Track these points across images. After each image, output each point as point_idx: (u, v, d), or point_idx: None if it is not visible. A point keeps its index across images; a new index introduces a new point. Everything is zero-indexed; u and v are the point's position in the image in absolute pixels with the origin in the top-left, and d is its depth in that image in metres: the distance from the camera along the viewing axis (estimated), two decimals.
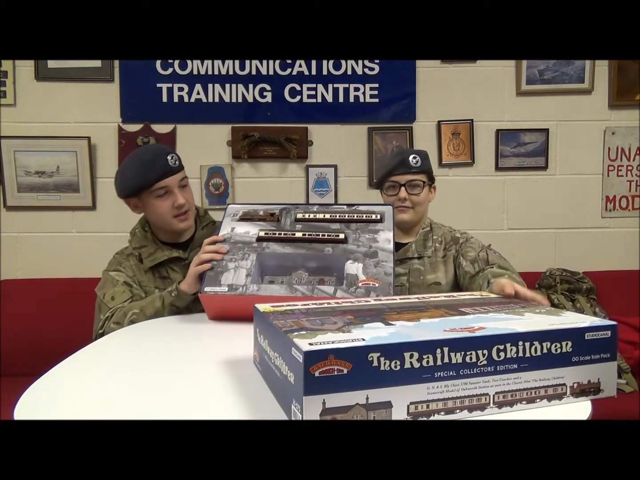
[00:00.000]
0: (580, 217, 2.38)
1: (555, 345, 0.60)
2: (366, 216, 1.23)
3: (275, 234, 1.19)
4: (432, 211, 1.56)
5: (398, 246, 1.48)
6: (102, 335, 1.17)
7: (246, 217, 1.25)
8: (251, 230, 1.21)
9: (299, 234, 1.18)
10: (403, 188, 1.45)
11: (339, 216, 1.24)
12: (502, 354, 0.58)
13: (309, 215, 1.24)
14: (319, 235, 1.18)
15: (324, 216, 1.24)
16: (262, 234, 1.19)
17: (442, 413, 0.56)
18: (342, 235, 1.17)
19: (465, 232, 1.50)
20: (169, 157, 1.26)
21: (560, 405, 0.61)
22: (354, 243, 1.16)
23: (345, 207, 1.28)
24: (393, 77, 2.30)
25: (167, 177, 1.25)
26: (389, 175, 1.47)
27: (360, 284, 1.06)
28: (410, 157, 1.45)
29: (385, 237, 1.17)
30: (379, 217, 1.23)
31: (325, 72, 2.29)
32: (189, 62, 2.26)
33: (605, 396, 0.64)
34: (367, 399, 0.53)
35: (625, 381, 1.86)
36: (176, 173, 1.28)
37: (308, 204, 1.24)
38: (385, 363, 0.53)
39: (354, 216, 1.24)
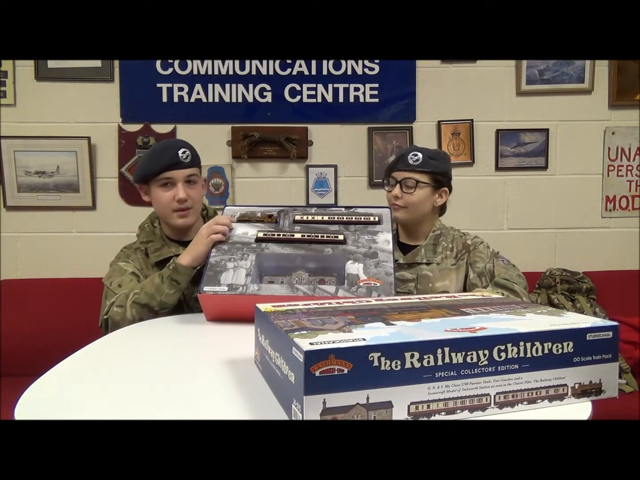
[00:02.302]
0: (580, 217, 2.38)
1: (557, 346, 0.60)
2: (364, 218, 1.24)
3: (274, 234, 1.19)
4: None
5: (407, 248, 1.46)
6: (107, 320, 1.19)
7: (244, 219, 1.25)
8: (249, 231, 1.21)
9: (298, 235, 1.18)
10: (398, 185, 1.41)
11: (338, 218, 1.24)
12: (503, 354, 0.58)
13: (307, 217, 1.25)
14: (318, 236, 1.18)
15: (322, 218, 1.24)
16: (260, 234, 1.19)
17: (443, 413, 0.56)
18: (341, 237, 1.18)
19: (476, 236, 1.47)
20: (180, 151, 1.29)
21: (561, 405, 0.61)
22: (353, 244, 1.16)
23: (343, 209, 1.29)
24: (393, 77, 2.30)
25: (172, 169, 1.28)
26: (389, 171, 1.46)
27: (361, 284, 1.06)
28: (410, 154, 1.41)
29: (385, 239, 1.18)
30: (377, 219, 1.24)
31: (325, 72, 2.29)
32: (189, 62, 2.26)
33: (606, 397, 0.64)
34: (368, 398, 0.53)
35: (626, 381, 1.86)
36: (184, 168, 1.30)
37: (306, 206, 1.25)
38: (385, 363, 0.53)
39: (352, 218, 1.24)
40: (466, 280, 1.40)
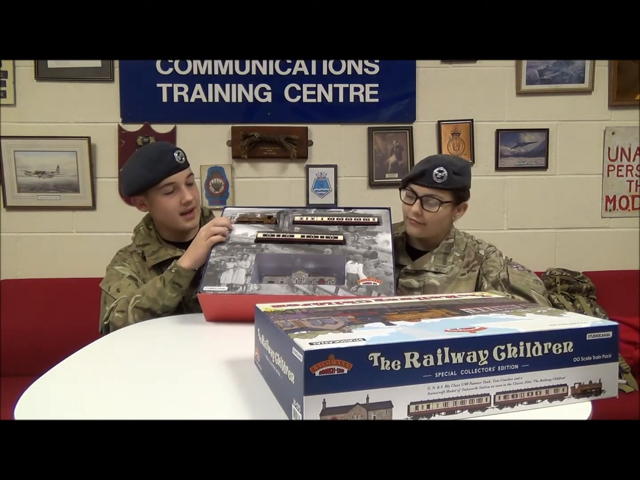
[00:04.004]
0: (580, 217, 2.38)
1: (557, 346, 0.60)
2: (364, 219, 1.24)
3: (273, 235, 1.19)
4: None
5: (416, 253, 1.40)
6: (107, 326, 1.17)
7: (243, 220, 1.25)
8: (249, 232, 1.21)
9: (297, 236, 1.19)
10: (419, 201, 1.30)
11: (337, 219, 1.24)
12: (503, 354, 0.58)
13: (306, 218, 1.25)
14: (317, 236, 1.18)
15: (322, 219, 1.24)
16: (260, 235, 1.19)
17: (443, 413, 0.56)
18: (340, 237, 1.18)
19: (490, 245, 1.40)
20: (175, 154, 1.27)
21: (561, 405, 0.61)
22: (352, 244, 1.16)
23: (342, 210, 1.29)
24: (393, 77, 2.30)
25: (174, 173, 1.26)
26: (409, 181, 1.34)
27: (361, 283, 1.06)
28: (435, 170, 1.28)
29: (384, 239, 1.18)
30: (376, 220, 1.24)
31: (325, 72, 2.29)
32: (189, 62, 2.26)
33: (606, 397, 0.64)
34: (368, 398, 0.53)
35: (626, 381, 1.86)
36: (183, 169, 1.28)
37: (305, 207, 1.24)
38: (385, 363, 0.53)
39: (351, 219, 1.24)
40: (479, 291, 1.35)
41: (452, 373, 0.56)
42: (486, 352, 0.57)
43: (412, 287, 1.35)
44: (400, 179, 2.28)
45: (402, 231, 1.44)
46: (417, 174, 1.32)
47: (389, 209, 1.29)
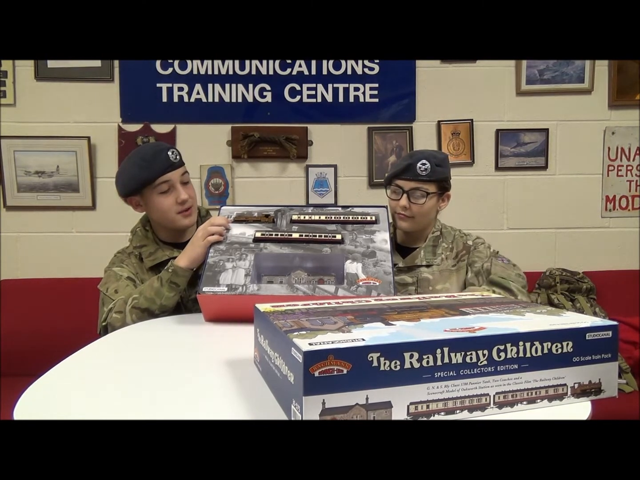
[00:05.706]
0: (580, 217, 2.38)
1: (556, 346, 0.60)
2: (361, 217, 1.24)
3: (272, 234, 1.19)
4: None
5: (406, 250, 1.45)
6: (105, 327, 1.17)
7: (240, 219, 1.25)
8: (247, 231, 1.21)
9: (295, 235, 1.18)
10: (405, 195, 1.37)
11: (335, 217, 1.24)
12: (502, 354, 0.58)
13: (304, 217, 1.25)
14: (315, 235, 1.18)
15: (320, 217, 1.24)
16: (258, 234, 1.19)
17: (442, 413, 0.56)
18: (338, 236, 1.18)
19: (478, 237, 1.45)
20: (169, 152, 1.27)
21: (560, 405, 0.61)
22: (351, 243, 1.16)
23: (340, 208, 1.29)
24: (393, 77, 2.30)
25: (169, 172, 1.26)
26: (394, 177, 1.40)
27: (361, 283, 1.06)
28: (419, 164, 1.35)
29: (382, 238, 1.18)
30: (374, 218, 1.24)
31: (325, 72, 2.29)
32: (189, 62, 2.26)
33: (606, 396, 0.64)
34: (367, 399, 0.53)
35: (625, 381, 1.86)
36: (178, 168, 1.28)
37: (303, 206, 1.24)
38: (385, 363, 0.53)
39: (349, 217, 1.24)
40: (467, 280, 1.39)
41: (451, 373, 0.56)
42: (486, 352, 0.57)
43: (406, 282, 1.39)
44: None
45: (391, 231, 1.45)
46: (402, 169, 1.37)
47: (386, 207, 1.29)
